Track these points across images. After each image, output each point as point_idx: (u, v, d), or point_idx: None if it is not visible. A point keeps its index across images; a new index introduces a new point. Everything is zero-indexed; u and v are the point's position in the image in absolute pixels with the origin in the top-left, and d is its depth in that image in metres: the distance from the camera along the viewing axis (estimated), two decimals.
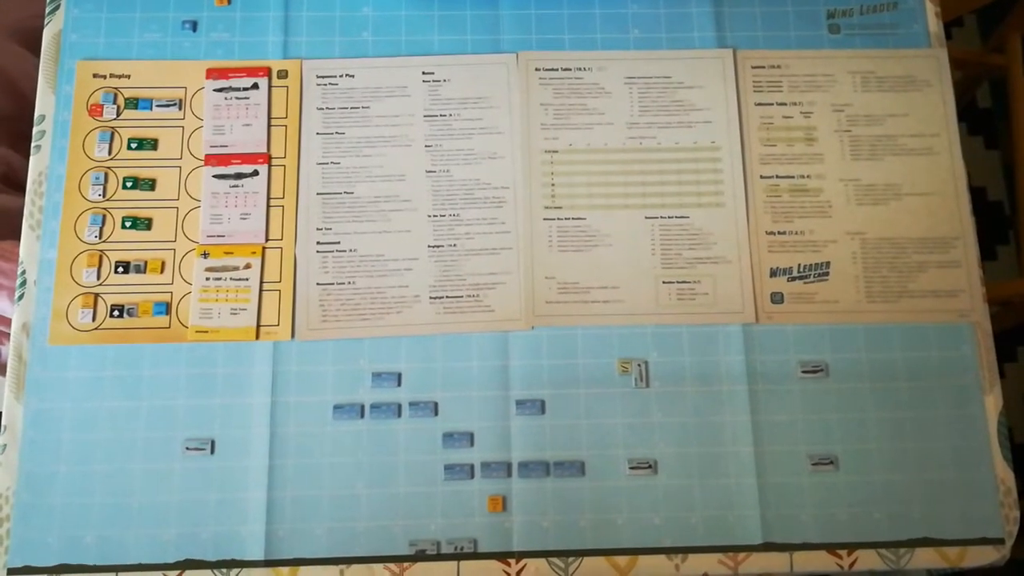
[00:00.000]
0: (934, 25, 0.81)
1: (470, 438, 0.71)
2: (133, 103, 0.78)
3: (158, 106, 0.78)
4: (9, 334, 0.74)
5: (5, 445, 0.70)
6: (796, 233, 0.76)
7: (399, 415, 0.72)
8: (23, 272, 0.74)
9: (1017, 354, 1.44)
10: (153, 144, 0.77)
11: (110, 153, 0.77)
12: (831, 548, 0.69)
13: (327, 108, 0.78)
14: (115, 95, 0.78)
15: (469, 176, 0.77)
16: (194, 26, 0.80)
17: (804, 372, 0.73)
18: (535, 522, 0.70)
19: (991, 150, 1.51)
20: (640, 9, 0.82)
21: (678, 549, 0.69)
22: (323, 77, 0.79)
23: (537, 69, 0.80)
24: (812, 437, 0.72)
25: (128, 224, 0.75)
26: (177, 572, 0.68)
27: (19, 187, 0.79)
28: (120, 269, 0.74)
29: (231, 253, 0.75)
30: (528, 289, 0.75)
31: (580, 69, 0.80)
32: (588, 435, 0.72)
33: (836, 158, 0.78)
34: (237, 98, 0.78)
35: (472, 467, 0.71)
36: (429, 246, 0.76)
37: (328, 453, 0.71)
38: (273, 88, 0.79)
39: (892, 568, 0.69)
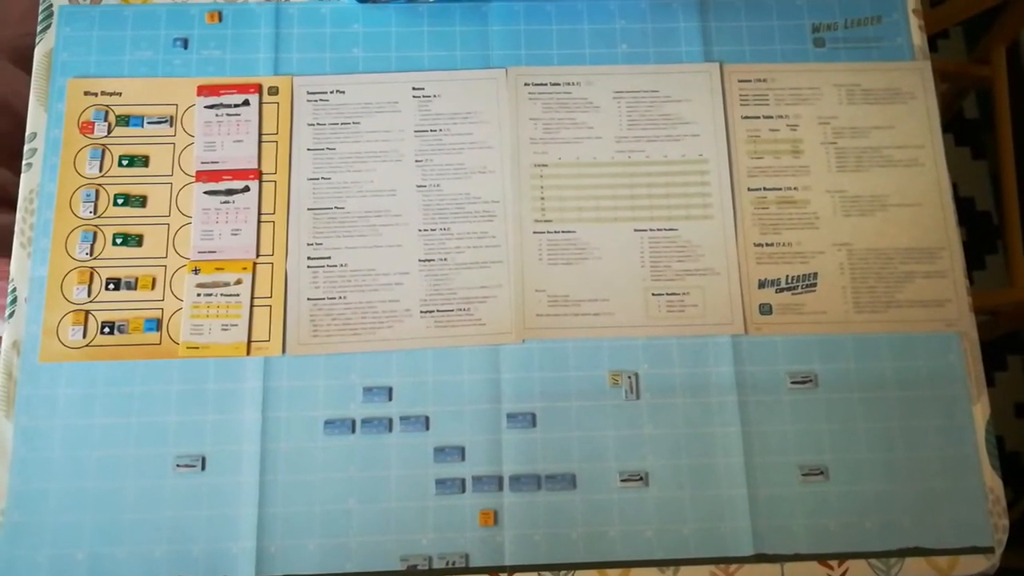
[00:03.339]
0: (918, 38, 0.82)
1: (461, 452, 0.71)
2: (124, 120, 0.78)
3: (149, 123, 0.78)
4: None
5: None
6: (784, 245, 0.77)
7: (390, 430, 0.72)
8: (14, 289, 0.74)
9: (1007, 363, 1.45)
10: (144, 161, 0.77)
11: (101, 170, 0.77)
12: (822, 559, 0.70)
13: (318, 124, 0.79)
14: (106, 112, 0.78)
15: (459, 190, 0.78)
16: (185, 43, 0.80)
17: (793, 383, 0.73)
18: (527, 536, 0.70)
19: (979, 160, 1.52)
20: (628, 24, 0.82)
21: (670, 561, 0.69)
22: (314, 93, 0.80)
23: (526, 84, 0.80)
24: (802, 448, 0.72)
25: (119, 241, 0.75)
26: None
27: (10, 205, 0.79)
28: (111, 286, 0.74)
29: (222, 269, 0.75)
30: (518, 302, 0.75)
31: (569, 84, 0.80)
32: (579, 448, 0.72)
33: (822, 170, 0.79)
34: (228, 115, 0.78)
35: (463, 481, 0.71)
36: (420, 260, 0.76)
37: (319, 469, 0.71)
38: (264, 104, 0.79)
39: None
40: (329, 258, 0.76)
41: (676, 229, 0.77)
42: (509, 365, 0.73)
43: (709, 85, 0.80)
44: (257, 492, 0.70)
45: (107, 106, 0.78)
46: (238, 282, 0.75)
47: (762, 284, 0.76)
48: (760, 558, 0.69)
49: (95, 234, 0.75)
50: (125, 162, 0.77)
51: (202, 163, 0.77)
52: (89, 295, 0.74)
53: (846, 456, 0.72)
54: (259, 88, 0.79)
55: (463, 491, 0.70)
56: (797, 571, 0.69)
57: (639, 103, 0.80)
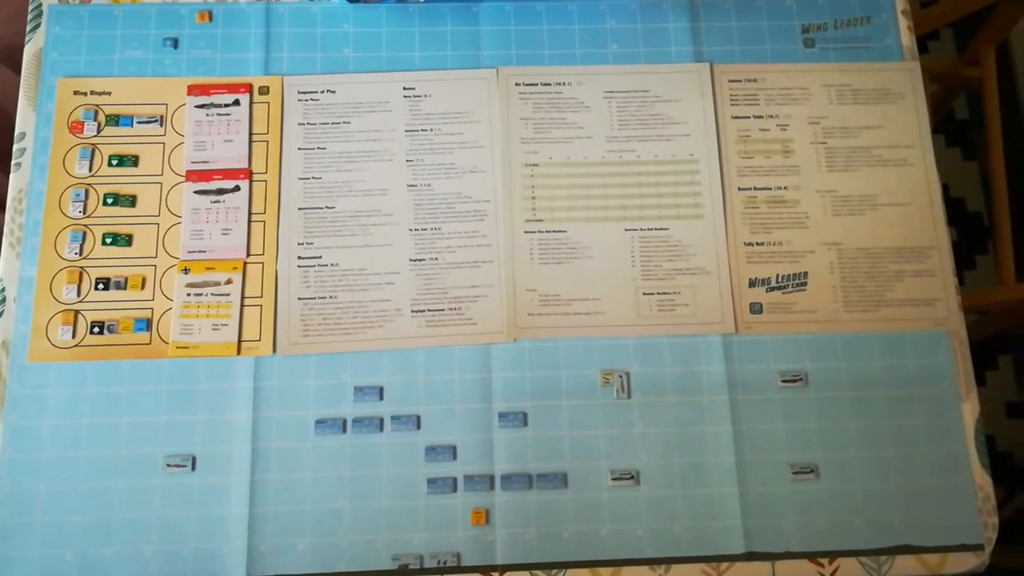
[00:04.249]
0: (907, 39, 0.83)
1: (453, 451, 0.71)
2: (114, 120, 0.78)
3: (139, 123, 0.78)
4: None
5: None
6: (774, 244, 0.77)
7: (381, 429, 0.72)
8: (2, 289, 0.74)
9: (998, 362, 1.46)
10: (134, 161, 0.77)
11: (91, 170, 0.77)
12: (813, 557, 0.70)
13: (308, 124, 0.79)
14: (96, 112, 0.78)
15: (450, 190, 0.78)
16: (175, 43, 0.80)
17: (784, 382, 0.73)
18: (518, 535, 0.70)
19: (969, 161, 1.53)
20: (618, 24, 0.83)
21: (661, 560, 0.69)
22: (304, 93, 0.80)
23: (517, 84, 0.80)
24: (792, 446, 0.72)
25: (109, 240, 0.75)
26: None
27: None
28: (100, 286, 0.74)
29: (212, 268, 0.75)
30: (510, 302, 0.75)
31: (559, 84, 0.81)
32: (570, 447, 0.72)
33: (812, 169, 0.79)
34: (218, 114, 0.78)
35: (455, 480, 0.71)
36: (411, 260, 0.76)
37: (310, 468, 0.70)
38: (254, 104, 0.79)
39: None
40: (320, 258, 0.76)
41: (667, 229, 0.77)
42: (500, 364, 0.73)
43: (699, 85, 0.81)
44: (248, 492, 0.70)
45: (97, 106, 0.78)
46: (228, 282, 0.74)
47: (752, 283, 0.76)
48: (751, 556, 0.69)
49: (84, 234, 0.75)
50: (115, 162, 0.77)
51: (192, 163, 0.77)
52: (78, 295, 0.74)
53: (836, 454, 0.72)
54: (249, 88, 0.79)
55: (454, 490, 0.70)
56: (788, 569, 0.69)
57: (630, 103, 0.80)
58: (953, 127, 1.54)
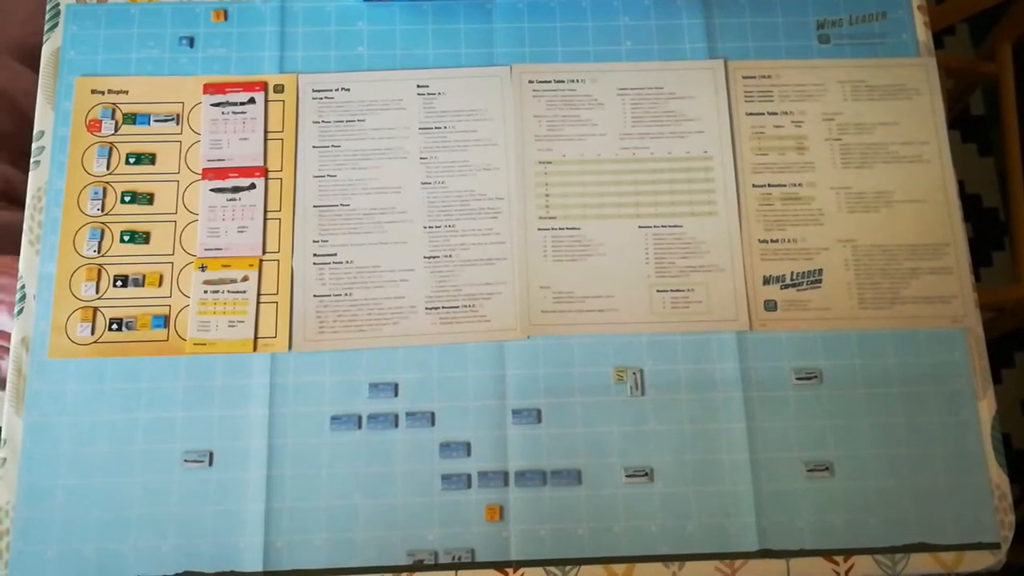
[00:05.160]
0: (923, 35, 0.82)
1: (467, 448, 0.72)
2: (131, 118, 0.79)
3: (156, 121, 0.79)
4: (9, 348, 0.75)
5: (5, 459, 0.70)
6: (788, 241, 0.77)
7: (396, 425, 0.72)
8: (22, 286, 0.75)
9: (1015, 360, 1.45)
10: (151, 159, 0.78)
11: (108, 168, 0.77)
12: (827, 554, 0.70)
13: (323, 121, 0.79)
14: (113, 111, 0.79)
15: (464, 187, 0.78)
16: (191, 42, 0.81)
17: (798, 379, 0.73)
18: (532, 531, 0.70)
19: (985, 157, 1.52)
20: (632, 21, 0.83)
21: (675, 557, 0.69)
22: (319, 91, 0.80)
23: (531, 81, 0.80)
24: (807, 444, 0.72)
25: (126, 238, 0.76)
26: None
27: (18, 203, 0.79)
28: (119, 283, 0.75)
29: (229, 266, 0.75)
30: (523, 299, 0.75)
31: (573, 81, 0.81)
32: (584, 444, 0.72)
33: (827, 166, 0.79)
34: (234, 112, 0.79)
35: (469, 477, 0.71)
36: (425, 257, 0.76)
37: (326, 464, 0.71)
38: (269, 102, 0.79)
39: (889, 574, 0.69)
40: (335, 255, 0.76)
41: (680, 226, 0.77)
42: (514, 361, 0.74)
43: (713, 82, 0.81)
44: (264, 487, 0.70)
45: (114, 104, 0.79)
46: (245, 279, 0.75)
47: (767, 280, 0.76)
48: (765, 553, 0.69)
49: (103, 231, 0.76)
50: (132, 160, 0.78)
51: (208, 161, 0.78)
52: (97, 292, 0.74)
53: (851, 452, 0.72)
54: (265, 86, 0.80)
55: (469, 486, 0.71)
56: (802, 567, 0.69)
57: (643, 100, 0.80)
58: (969, 123, 1.52)
